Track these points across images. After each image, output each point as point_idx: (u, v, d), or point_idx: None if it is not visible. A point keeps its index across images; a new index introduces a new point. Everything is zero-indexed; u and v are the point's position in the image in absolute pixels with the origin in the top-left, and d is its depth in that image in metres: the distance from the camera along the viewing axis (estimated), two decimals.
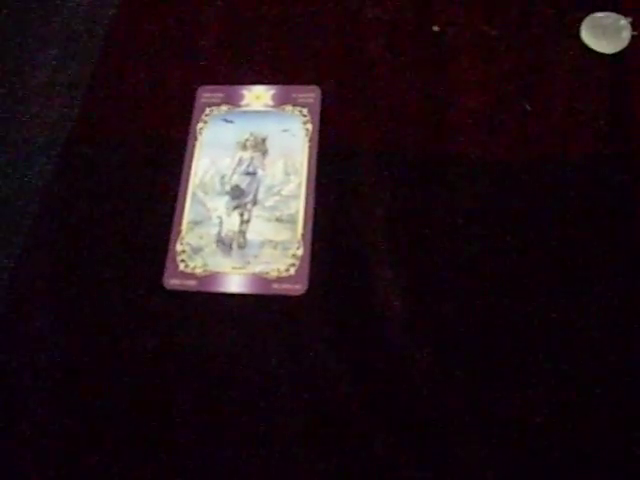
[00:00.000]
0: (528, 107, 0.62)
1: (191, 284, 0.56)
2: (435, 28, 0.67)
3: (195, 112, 0.65)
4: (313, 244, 0.57)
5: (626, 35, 0.64)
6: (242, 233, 0.58)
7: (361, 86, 0.65)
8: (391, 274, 0.56)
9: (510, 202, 0.58)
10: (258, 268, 0.56)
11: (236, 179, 0.61)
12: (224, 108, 0.65)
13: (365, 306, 0.55)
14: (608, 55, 0.64)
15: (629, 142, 0.60)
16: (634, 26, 0.65)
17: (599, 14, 0.66)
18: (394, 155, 0.61)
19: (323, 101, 0.64)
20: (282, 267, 0.56)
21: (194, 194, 0.60)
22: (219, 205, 0.60)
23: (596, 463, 0.49)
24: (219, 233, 0.58)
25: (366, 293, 0.55)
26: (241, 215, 0.59)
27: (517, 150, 0.61)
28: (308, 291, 0.55)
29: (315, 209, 0.59)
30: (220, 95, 0.65)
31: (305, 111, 0.63)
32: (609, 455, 0.49)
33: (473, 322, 0.54)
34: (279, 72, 0.66)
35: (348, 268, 0.56)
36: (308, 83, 0.65)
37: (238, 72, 0.67)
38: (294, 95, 0.64)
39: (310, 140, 0.62)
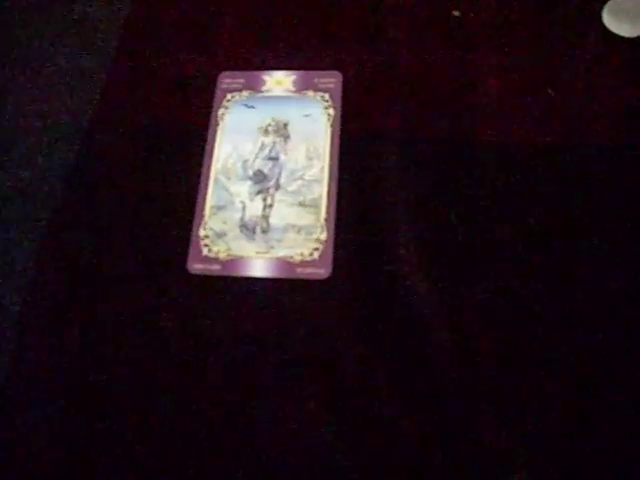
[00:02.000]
0: (551, 92, 0.62)
1: (215, 269, 0.57)
2: (455, 13, 0.67)
3: (216, 98, 0.65)
4: (336, 228, 0.57)
5: None
6: (265, 218, 0.58)
7: (382, 71, 0.65)
8: (416, 258, 0.56)
9: (532, 186, 0.58)
10: (282, 252, 0.57)
11: (258, 164, 0.61)
12: (245, 94, 0.65)
13: (390, 291, 0.55)
14: (630, 39, 0.64)
15: None
16: None
17: None
18: (417, 139, 0.61)
19: (344, 86, 0.64)
20: (306, 251, 0.56)
21: (217, 179, 0.60)
22: (242, 190, 0.60)
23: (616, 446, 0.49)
24: (242, 218, 0.58)
25: (390, 277, 0.55)
26: (264, 200, 0.59)
27: (539, 135, 0.60)
28: (332, 275, 0.55)
29: (338, 193, 0.59)
30: (241, 81, 0.65)
31: (327, 96, 0.63)
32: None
33: (500, 307, 0.54)
34: (300, 57, 0.66)
35: (372, 252, 0.56)
36: (329, 69, 0.65)
37: (259, 57, 0.67)
38: (315, 80, 0.64)
39: (332, 125, 0.62)
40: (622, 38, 0.64)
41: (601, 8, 0.65)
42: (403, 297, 0.54)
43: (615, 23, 0.65)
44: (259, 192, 0.59)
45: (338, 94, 0.63)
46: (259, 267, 0.56)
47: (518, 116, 0.61)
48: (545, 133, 0.60)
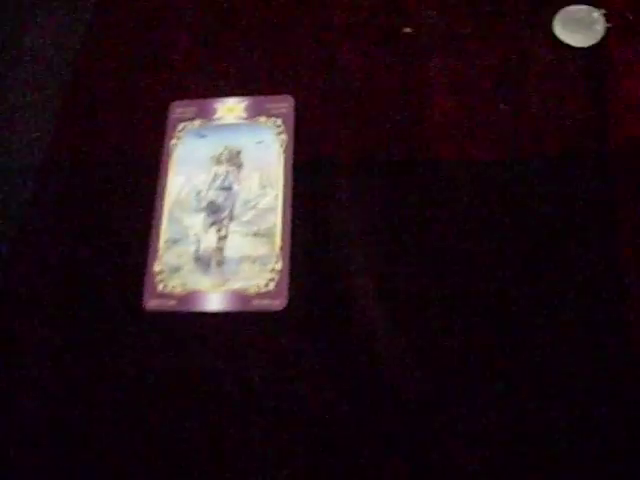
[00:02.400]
0: (502, 105, 0.61)
1: (171, 304, 0.56)
2: (407, 30, 0.66)
3: (168, 128, 0.64)
4: (292, 257, 0.56)
5: (600, 28, 0.63)
6: (220, 250, 0.57)
7: (335, 93, 0.64)
8: (373, 285, 0.55)
9: (492, 203, 0.58)
10: (237, 285, 0.56)
11: (212, 195, 0.60)
12: (197, 122, 0.64)
13: (348, 319, 0.54)
14: (583, 48, 0.63)
15: (605, 137, 0.59)
16: (608, 18, 0.64)
17: (572, 7, 0.65)
18: (372, 163, 0.60)
19: (297, 111, 0.63)
20: (261, 282, 0.56)
21: (170, 212, 0.60)
22: (196, 222, 0.59)
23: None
24: (197, 251, 0.58)
25: (348, 306, 0.55)
26: (218, 231, 0.58)
27: (495, 150, 0.60)
28: (288, 306, 0.55)
29: (293, 221, 0.58)
30: (193, 109, 0.65)
31: (279, 121, 0.63)
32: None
33: (462, 330, 0.53)
34: (252, 83, 0.65)
35: (329, 280, 0.56)
36: (281, 93, 0.64)
37: (211, 84, 0.66)
38: (267, 106, 0.64)
39: (285, 151, 0.61)
40: (575, 48, 0.63)
41: (552, 18, 0.65)
42: (363, 326, 0.54)
43: (567, 33, 0.64)
44: (213, 223, 0.59)
45: (291, 119, 0.63)
46: (215, 301, 0.56)
47: (472, 132, 0.61)
48: (500, 148, 0.60)
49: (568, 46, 0.63)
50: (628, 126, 0.59)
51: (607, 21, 0.64)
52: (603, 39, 0.63)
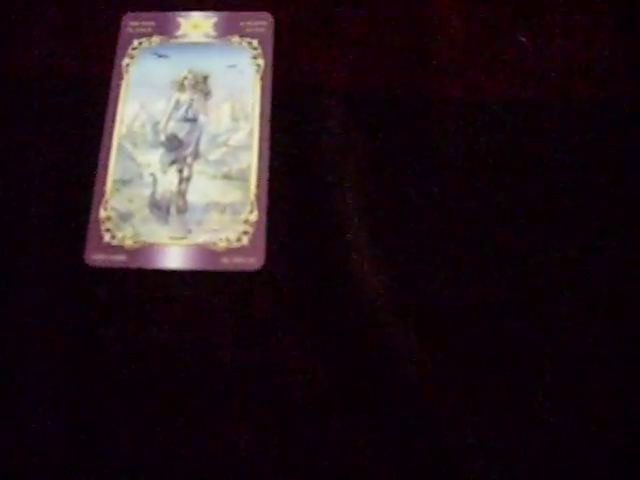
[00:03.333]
0: (523, 39, 0.52)
1: (120, 259, 0.46)
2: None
3: (120, 45, 0.53)
4: (270, 207, 0.47)
5: None
6: (181, 194, 0.47)
7: (324, 12, 0.54)
8: (366, 240, 0.46)
9: (505, 152, 0.49)
10: (202, 238, 0.46)
11: (172, 127, 0.49)
12: (156, 39, 0.53)
13: (335, 284, 0.45)
14: None
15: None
16: None
17: None
18: (365, 95, 0.51)
19: (277, 31, 0.53)
20: (232, 236, 0.46)
21: (120, 146, 0.49)
22: (152, 160, 0.48)
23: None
24: (153, 195, 0.47)
25: (336, 265, 0.46)
26: (180, 172, 0.48)
27: (512, 90, 0.51)
28: (265, 265, 0.45)
29: (271, 163, 0.48)
30: (150, 24, 0.53)
31: (255, 43, 0.52)
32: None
33: (462, 298, 0.45)
34: None
35: (313, 236, 0.46)
36: (258, 9, 0.53)
37: None
38: (241, 24, 0.53)
39: (262, 78, 0.51)
40: None
41: None
42: (351, 291, 0.45)
43: None
44: (173, 162, 0.48)
45: (269, 40, 0.52)
46: (175, 257, 0.46)
47: (486, 68, 0.52)
48: (518, 88, 0.51)
49: None
50: None
51: None
52: None
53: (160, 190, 0.47)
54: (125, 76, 0.51)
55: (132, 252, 0.46)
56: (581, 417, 0.42)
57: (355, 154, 0.49)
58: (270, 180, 0.47)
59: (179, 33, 0.53)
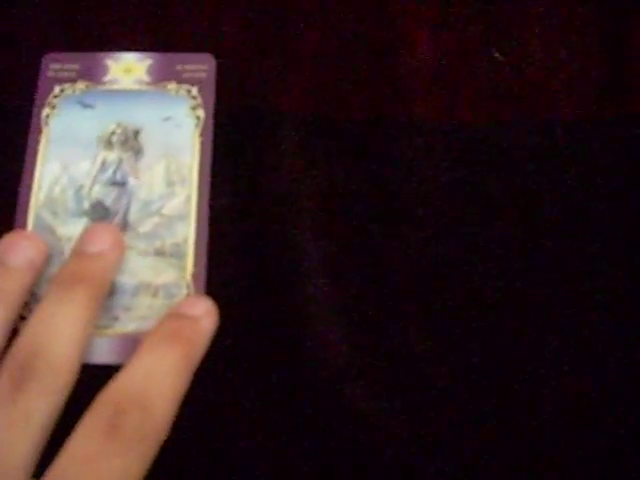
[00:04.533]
0: (497, 55, 0.47)
1: None
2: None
3: (39, 92, 0.46)
4: (209, 287, 0.41)
5: None
6: None
7: (274, 31, 0.48)
8: (326, 299, 0.42)
9: (478, 178, 0.45)
10: (131, 326, 0.40)
11: (98, 192, 0.43)
12: (80, 86, 0.46)
13: (293, 357, 0.41)
14: None
15: (628, 98, 0.46)
16: None
17: None
18: (322, 121, 0.46)
19: (219, 75, 0.47)
20: None
21: (38, 216, 0.43)
22: (74, 232, 0.42)
23: None
24: None
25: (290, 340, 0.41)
26: None
27: (486, 111, 0.46)
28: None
29: (211, 236, 0.42)
30: (74, 67, 0.47)
31: (194, 91, 0.46)
32: None
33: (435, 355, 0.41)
34: (158, 35, 0.48)
35: (266, 319, 0.41)
36: (199, 50, 0.47)
37: (101, 33, 0.49)
38: (179, 67, 0.47)
39: (202, 134, 0.44)
40: None
41: None
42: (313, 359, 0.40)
43: None
44: None
45: (210, 87, 0.46)
46: (98, 350, 0.40)
47: (457, 88, 0.47)
48: (493, 109, 0.46)
49: None
50: None
51: None
52: None
53: None
54: (45, 129, 0.45)
55: None
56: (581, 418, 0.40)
57: (312, 188, 0.44)
58: (210, 256, 0.42)
59: (107, 78, 0.46)
